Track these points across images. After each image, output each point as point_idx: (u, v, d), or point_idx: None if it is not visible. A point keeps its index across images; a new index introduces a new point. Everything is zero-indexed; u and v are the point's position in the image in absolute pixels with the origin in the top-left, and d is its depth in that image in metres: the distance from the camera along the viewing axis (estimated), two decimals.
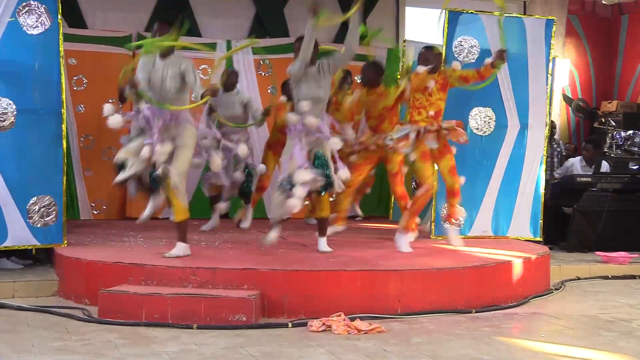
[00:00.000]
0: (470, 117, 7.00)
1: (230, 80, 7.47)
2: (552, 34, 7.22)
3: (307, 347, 4.24)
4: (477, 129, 7.02)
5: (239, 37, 9.15)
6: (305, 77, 5.72)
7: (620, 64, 11.62)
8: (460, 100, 6.78)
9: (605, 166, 8.50)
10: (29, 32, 5.79)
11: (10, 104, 5.74)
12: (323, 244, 5.97)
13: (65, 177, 6.00)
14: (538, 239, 7.21)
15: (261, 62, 9.08)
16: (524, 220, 7.19)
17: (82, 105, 8.39)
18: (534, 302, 5.70)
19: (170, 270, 5.13)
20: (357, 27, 5.72)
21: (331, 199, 6.57)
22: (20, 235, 5.82)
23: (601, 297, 6.03)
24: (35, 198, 5.83)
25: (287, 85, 6.60)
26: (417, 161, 6.31)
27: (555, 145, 9.17)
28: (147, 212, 6.04)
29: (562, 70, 10.67)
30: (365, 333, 4.56)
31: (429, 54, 6.33)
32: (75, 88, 8.36)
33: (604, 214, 7.87)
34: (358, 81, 7.84)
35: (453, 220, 6.67)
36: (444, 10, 6.78)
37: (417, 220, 6.98)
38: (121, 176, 5.61)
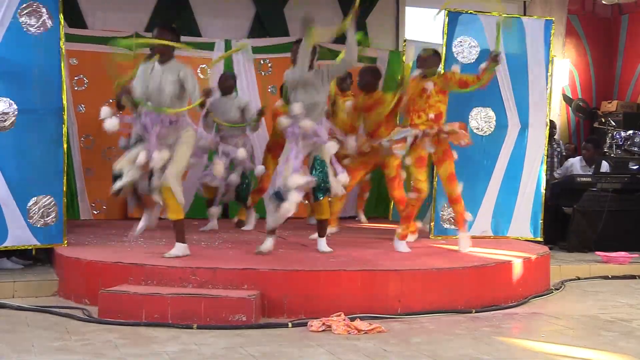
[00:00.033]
0: (470, 117, 7.00)
1: (227, 83, 7.47)
2: (552, 35, 7.22)
3: (307, 347, 4.24)
4: (478, 129, 7.02)
5: (239, 37, 9.16)
6: (302, 83, 5.73)
7: (620, 64, 11.62)
8: (460, 100, 6.76)
9: (605, 166, 8.50)
10: (31, 32, 5.79)
11: (11, 103, 5.75)
12: (323, 244, 5.98)
13: (65, 177, 6.00)
14: (538, 239, 7.21)
15: (261, 61, 9.09)
16: (524, 220, 7.19)
17: (82, 105, 8.40)
18: (534, 302, 5.70)
19: (170, 270, 5.14)
20: (354, 43, 5.71)
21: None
22: (20, 235, 5.82)
23: (601, 297, 6.03)
24: (35, 198, 5.83)
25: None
26: (411, 166, 6.29)
27: (555, 145, 9.18)
28: (140, 225, 5.92)
29: (562, 70, 10.67)
30: (365, 333, 4.56)
31: (426, 56, 6.33)
32: (75, 88, 8.36)
33: (604, 214, 7.87)
34: None
35: (462, 225, 6.43)
36: (441, 10, 6.76)
37: (419, 224, 6.99)
38: (118, 185, 5.60)
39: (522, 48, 7.12)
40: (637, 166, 8.28)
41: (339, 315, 4.78)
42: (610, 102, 11.24)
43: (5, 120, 5.73)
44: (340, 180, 5.82)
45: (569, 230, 8.01)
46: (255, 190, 7.60)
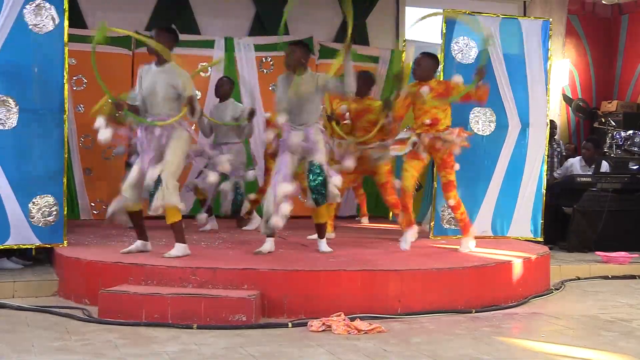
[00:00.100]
0: (470, 117, 6.99)
1: (223, 89, 7.47)
2: (549, 35, 7.23)
3: (307, 347, 4.25)
4: (478, 129, 7.02)
5: (239, 37, 9.15)
6: (295, 92, 5.74)
7: (620, 64, 11.62)
8: None
9: (605, 166, 8.50)
10: (35, 32, 5.79)
11: (13, 103, 5.75)
12: (323, 244, 5.99)
13: (65, 177, 6.00)
14: (539, 239, 7.21)
15: (263, 59, 9.09)
16: (525, 220, 7.19)
17: (81, 105, 8.38)
18: (534, 302, 5.70)
19: (170, 270, 5.13)
20: (352, 74, 5.72)
21: None
22: (22, 234, 5.82)
23: (601, 297, 6.03)
24: (36, 197, 5.83)
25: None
26: (405, 162, 6.32)
27: (555, 145, 9.18)
28: (131, 247, 5.75)
29: (562, 70, 10.67)
30: (365, 333, 4.56)
31: (421, 60, 6.33)
32: (75, 88, 8.34)
33: (604, 214, 7.87)
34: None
35: (466, 232, 6.41)
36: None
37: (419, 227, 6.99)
38: (110, 210, 5.60)
39: (520, 49, 7.14)
40: (637, 166, 8.28)
41: (339, 315, 4.78)
42: (610, 102, 11.24)
43: (7, 120, 5.73)
44: (335, 183, 5.81)
45: (569, 230, 8.01)
46: (258, 191, 7.61)
